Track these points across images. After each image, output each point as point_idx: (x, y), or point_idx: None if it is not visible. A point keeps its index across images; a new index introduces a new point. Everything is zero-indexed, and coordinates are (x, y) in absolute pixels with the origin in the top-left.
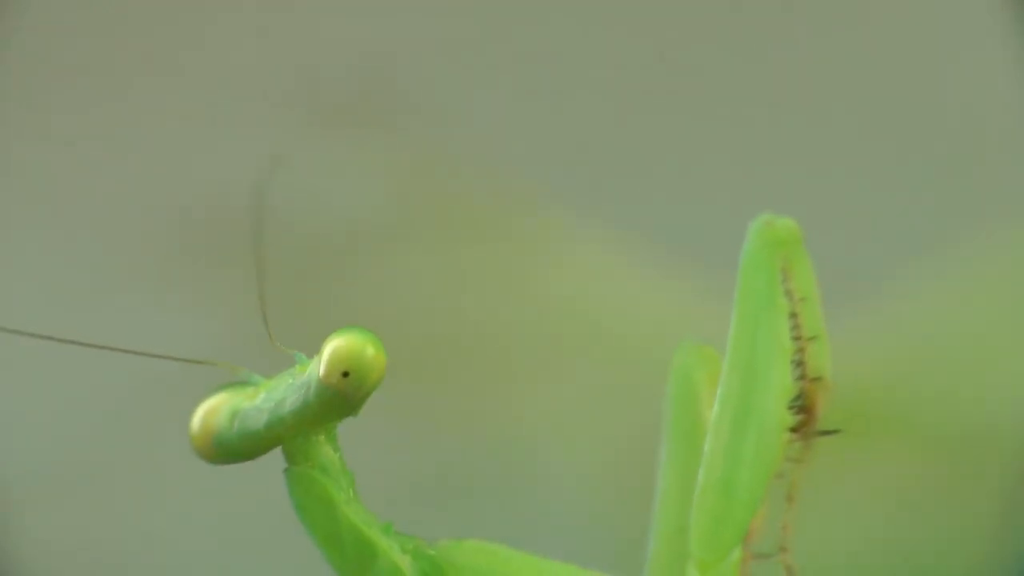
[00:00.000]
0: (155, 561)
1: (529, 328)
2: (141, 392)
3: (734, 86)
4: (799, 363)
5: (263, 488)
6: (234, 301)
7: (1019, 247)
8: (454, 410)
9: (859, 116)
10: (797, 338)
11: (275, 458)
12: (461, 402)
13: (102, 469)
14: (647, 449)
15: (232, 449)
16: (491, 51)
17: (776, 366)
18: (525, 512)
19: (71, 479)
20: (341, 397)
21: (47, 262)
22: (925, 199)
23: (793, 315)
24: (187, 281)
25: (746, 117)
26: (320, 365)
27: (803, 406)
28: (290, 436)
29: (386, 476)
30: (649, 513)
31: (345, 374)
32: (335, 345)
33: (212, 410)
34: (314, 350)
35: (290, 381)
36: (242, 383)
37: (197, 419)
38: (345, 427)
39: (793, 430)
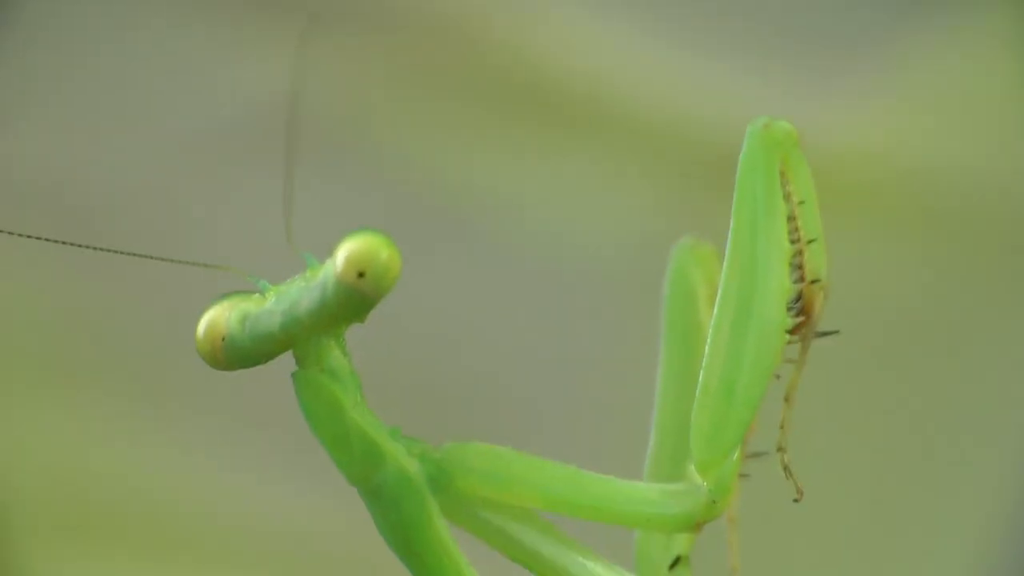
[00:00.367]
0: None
1: None
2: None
3: None
4: (797, 265)
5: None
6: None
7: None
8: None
9: None
10: (795, 240)
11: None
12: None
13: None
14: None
15: (244, 353)
16: None
17: (775, 268)
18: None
19: None
20: (359, 295)
21: None
22: None
23: (791, 218)
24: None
25: None
26: (336, 264)
27: (801, 308)
28: (304, 337)
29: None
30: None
31: (360, 274)
32: (349, 246)
33: (219, 315)
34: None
35: (302, 284)
36: (246, 292)
37: (203, 325)
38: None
39: (791, 332)
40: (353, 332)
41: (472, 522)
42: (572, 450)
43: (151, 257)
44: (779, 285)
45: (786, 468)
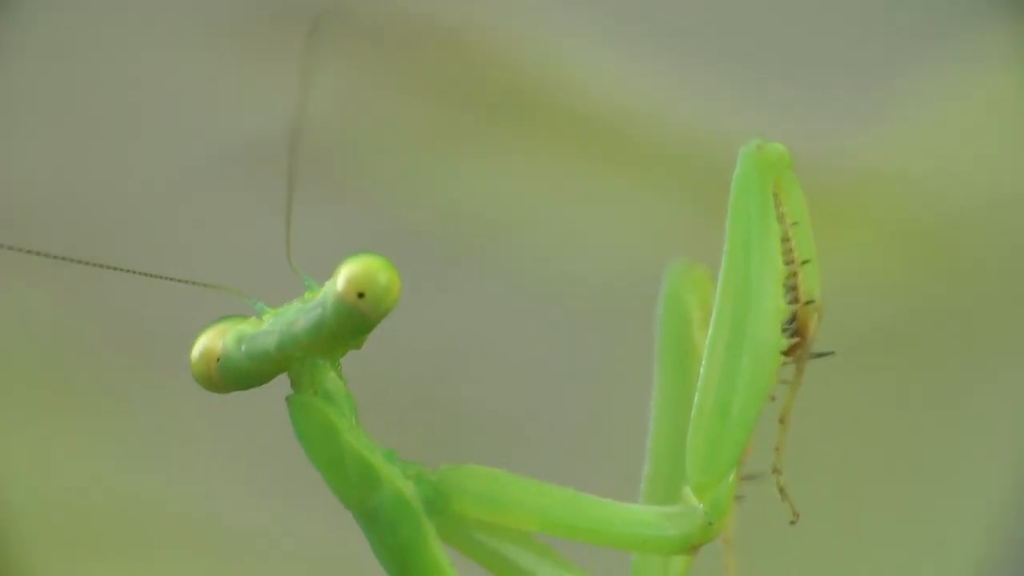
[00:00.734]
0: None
1: None
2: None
3: None
4: (792, 287)
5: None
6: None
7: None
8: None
9: None
10: (789, 262)
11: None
12: None
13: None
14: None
15: (239, 373)
16: None
17: (769, 289)
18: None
19: None
20: (359, 314)
21: None
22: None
23: (785, 239)
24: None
25: None
26: (337, 284)
27: (796, 329)
28: (301, 357)
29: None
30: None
31: (361, 295)
32: (350, 266)
33: (215, 335)
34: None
35: (300, 305)
36: (243, 316)
37: (199, 346)
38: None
39: (786, 353)
40: (351, 354)
41: (468, 544)
42: (570, 471)
43: (148, 275)
44: (773, 306)
45: (782, 490)
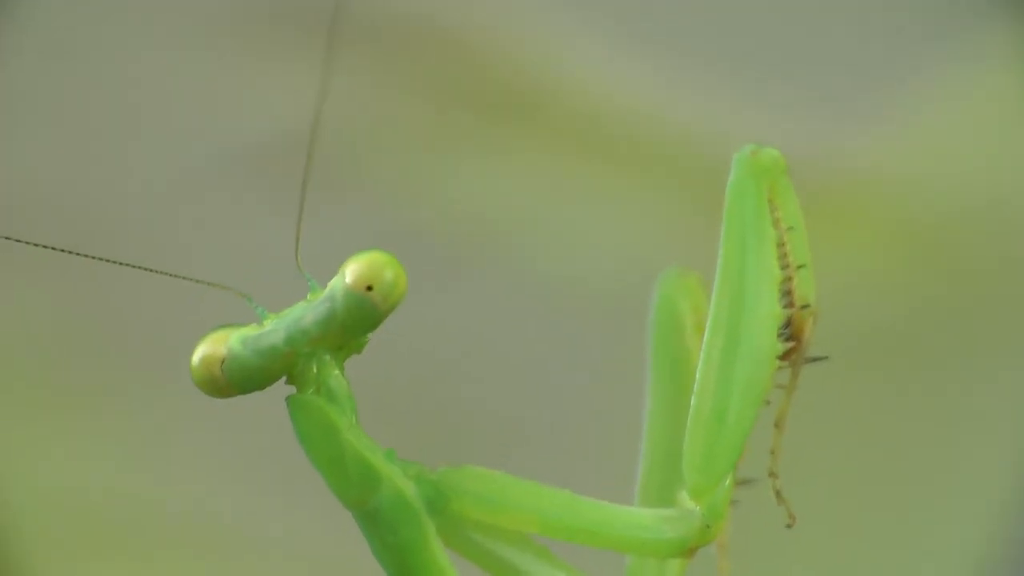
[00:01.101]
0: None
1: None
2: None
3: None
4: (787, 291)
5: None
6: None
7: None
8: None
9: None
10: (785, 266)
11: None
12: None
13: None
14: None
15: (246, 372)
16: None
17: (765, 294)
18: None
19: None
20: (370, 305)
21: None
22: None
23: (780, 244)
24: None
25: None
26: (345, 277)
27: (791, 333)
28: (308, 353)
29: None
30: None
31: (369, 288)
32: (358, 261)
33: (216, 341)
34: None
35: (305, 304)
36: (239, 323)
37: (200, 351)
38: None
39: (782, 357)
40: (352, 358)
41: (466, 546)
42: (571, 471)
43: (151, 270)
44: (769, 311)
45: (778, 494)
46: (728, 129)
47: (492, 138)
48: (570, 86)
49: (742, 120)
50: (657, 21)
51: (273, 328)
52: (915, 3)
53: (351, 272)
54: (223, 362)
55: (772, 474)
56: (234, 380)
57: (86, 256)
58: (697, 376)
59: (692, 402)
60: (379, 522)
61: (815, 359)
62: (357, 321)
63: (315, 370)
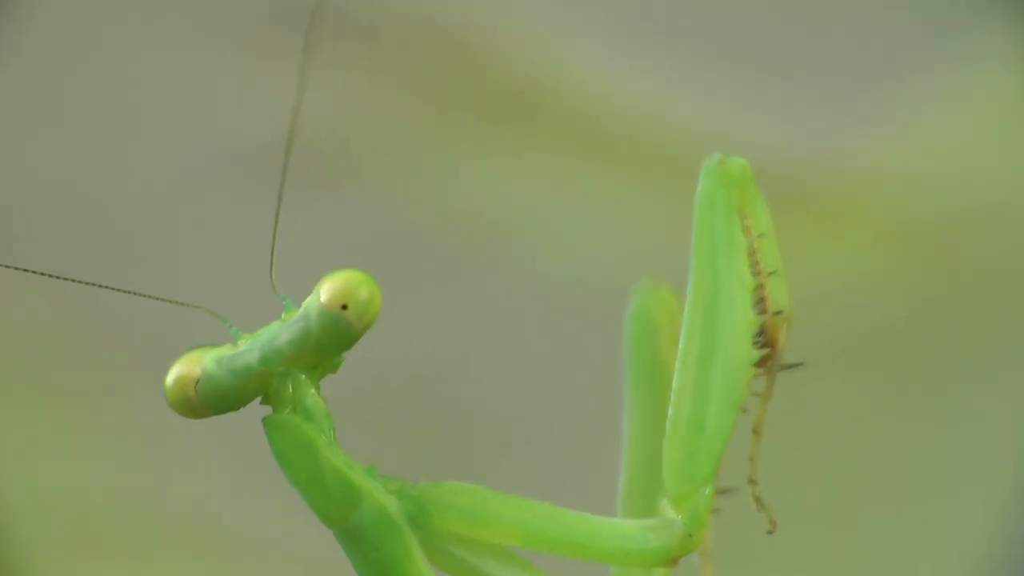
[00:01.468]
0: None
1: None
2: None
3: None
4: (760, 299)
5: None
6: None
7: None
8: None
9: None
10: (757, 274)
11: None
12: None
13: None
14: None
15: (220, 392)
16: None
17: (738, 301)
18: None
19: None
20: (345, 323)
21: None
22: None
23: (752, 251)
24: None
25: None
26: (320, 296)
27: (766, 340)
28: (283, 372)
29: None
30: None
31: (344, 307)
32: (332, 280)
33: (190, 362)
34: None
35: (280, 323)
36: (212, 344)
37: (174, 372)
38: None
39: (757, 364)
40: (347, 358)
41: (448, 561)
42: (570, 473)
43: (124, 291)
44: (743, 318)
45: (758, 500)
46: (728, 129)
47: (491, 138)
48: (569, 86)
49: (742, 120)
50: (657, 21)
51: (247, 348)
52: (915, 3)
53: (326, 291)
54: (197, 383)
55: (752, 481)
56: (208, 401)
57: (64, 279)
58: (673, 385)
59: (670, 411)
60: (361, 539)
61: (791, 366)
62: (332, 340)
63: (290, 390)
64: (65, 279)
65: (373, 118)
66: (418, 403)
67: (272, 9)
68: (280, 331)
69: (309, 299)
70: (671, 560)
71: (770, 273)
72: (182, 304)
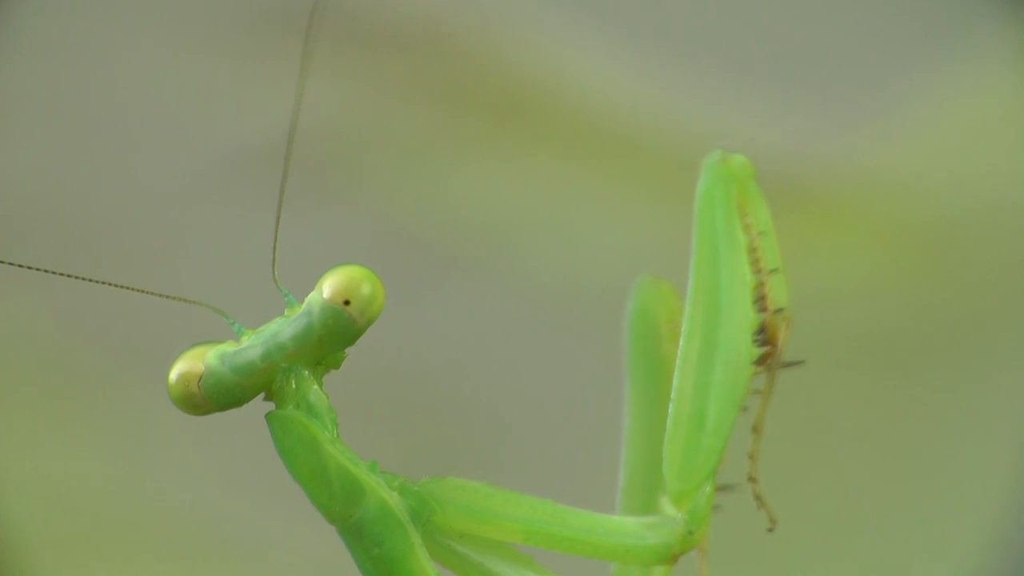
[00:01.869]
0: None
1: None
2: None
3: None
4: (760, 296)
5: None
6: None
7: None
8: None
9: None
10: (757, 272)
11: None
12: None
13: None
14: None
15: (223, 388)
16: None
17: (739, 299)
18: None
19: None
20: (347, 318)
21: None
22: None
23: (752, 249)
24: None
25: None
26: (322, 291)
27: (766, 338)
28: (286, 368)
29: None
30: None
31: (346, 302)
32: (334, 276)
33: (193, 359)
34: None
35: (283, 319)
36: (216, 341)
37: (177, 368)
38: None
39: (757, 362)
40: (347, 359)
41: (450, 557)
42: (569, 473)
43: (126, 288)
44: (743, 316)
45: (758, 498)
46: (727, 130)
47: (488, 141)
48: (567, 89)
49: (742, 121)
50: (656, 23)
51: (250, 344)
52: (915, 3)
53: (328, 286)
54: (200, 379)
55: (752, 479)
56: (211, 397)
57: (65, 275)
58: (674, 383)
59: (670, 409)
60: (364, 535)
61: (791, 364)
62: (334, 335)
63: (294, 385)
64: (69, 276)
65: (373, 119)
66: (420, 401)
67: (272, 11)
68: (283, 327)
69: (312, 294)
70: (671, 557)
71: (770, 271)
72: (184, 301)
